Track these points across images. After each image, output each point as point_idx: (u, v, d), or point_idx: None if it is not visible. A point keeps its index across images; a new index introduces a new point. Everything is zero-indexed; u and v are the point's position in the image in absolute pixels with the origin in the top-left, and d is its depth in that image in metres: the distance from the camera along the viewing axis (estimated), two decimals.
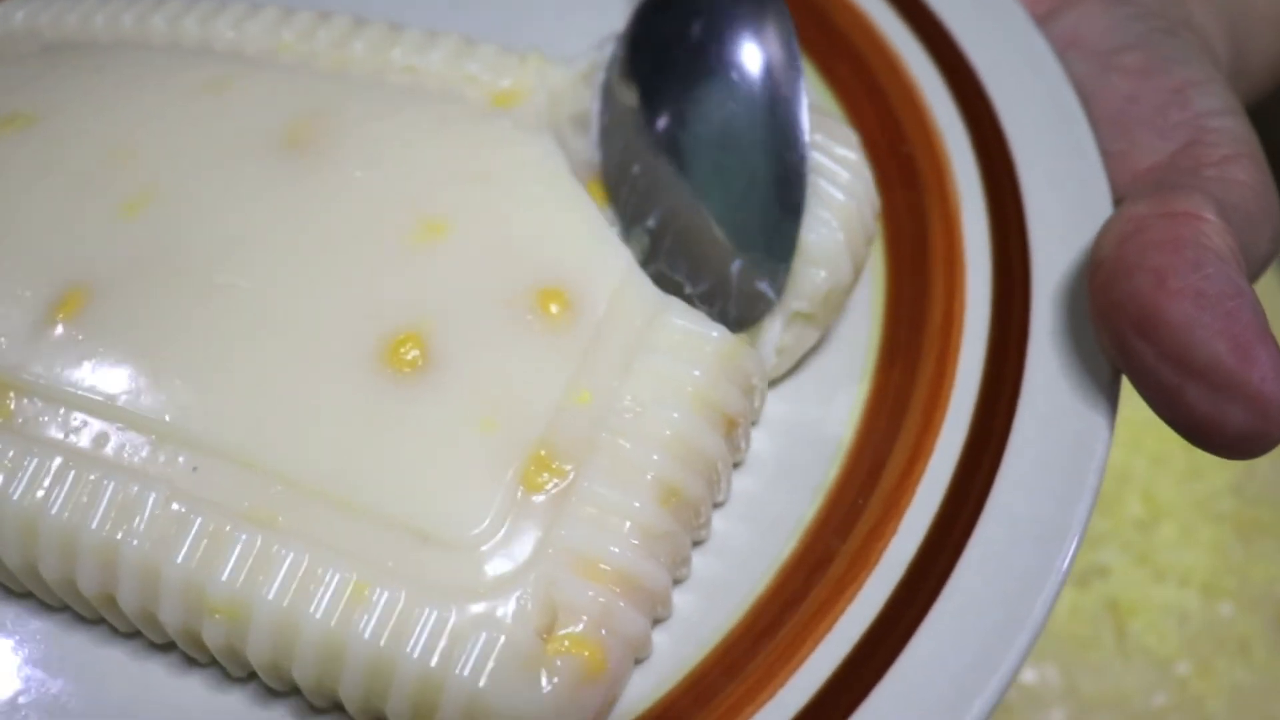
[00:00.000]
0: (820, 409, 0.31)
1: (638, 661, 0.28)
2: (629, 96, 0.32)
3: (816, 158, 0.30)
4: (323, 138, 0.32)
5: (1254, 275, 0.30)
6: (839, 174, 0.30)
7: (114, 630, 0.29)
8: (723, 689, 0.27)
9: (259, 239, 0.30)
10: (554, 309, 0.29)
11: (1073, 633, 0.55)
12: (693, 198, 0.31)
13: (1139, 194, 0.30)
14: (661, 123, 0.32)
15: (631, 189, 0.32)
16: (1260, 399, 0.25)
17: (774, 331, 0.30)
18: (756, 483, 0.30)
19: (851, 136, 0.32)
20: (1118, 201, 0.31)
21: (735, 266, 0.30)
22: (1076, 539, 0.27)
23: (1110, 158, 0.32)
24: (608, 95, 0.33)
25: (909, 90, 0.34)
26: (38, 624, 0.30)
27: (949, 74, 0.34)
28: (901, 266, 0.32)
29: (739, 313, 0.30)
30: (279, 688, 0.28)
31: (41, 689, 0.28)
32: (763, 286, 0.30)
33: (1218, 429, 0.26)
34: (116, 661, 0.29)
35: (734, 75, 0.31)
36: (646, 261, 0.31)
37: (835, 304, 0.30)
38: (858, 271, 0.30)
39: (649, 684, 0.27)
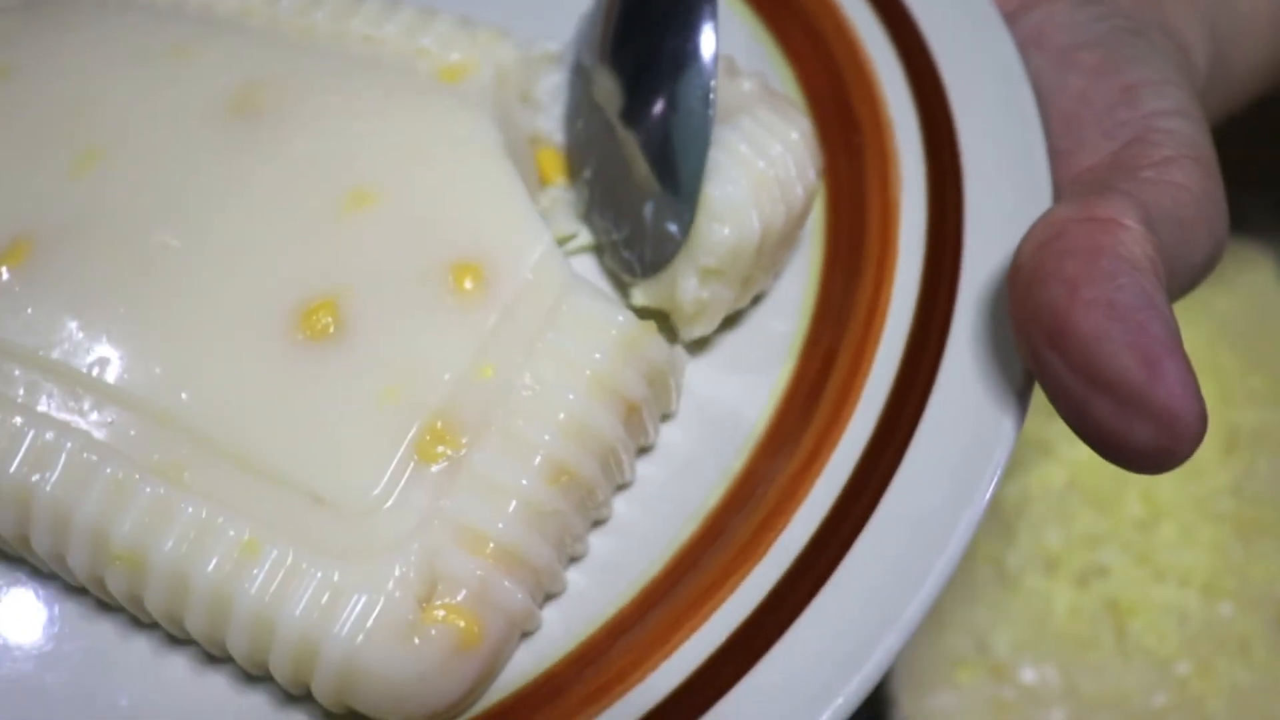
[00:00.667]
0: (738, 395, 0.31)
1: (525, 635, 0.28)
2: (587, 62, 0.33)
3: (751, 127, 0.30)
4: (269, 105, 0.32)
5: (1189, 283, 0.30)
6: (769, 145, 0.30)
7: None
8: (605, 663, 0.27)
9: (195, 201, 0.31)
10: (468, 284, 0.29)
11: (1073, 632, 0.54)
12: (615, 144, 0.32)
13: (1071, 195, 0.29)
14: (599, 77, 0.33)
15: (576, 145, 0.33)
16: (1167, 415, 0.25)
17: (689, 283, 0.30)
18: (665, 468, 0.30)
19: (804, 122, 0.31)
20: (1057, 201, 0.30)
21: (648, 208, 0.31)
22: (961, 543, 0.26)
23: (1058, 156, 0.31)
24: (576, 68, 0.34)
25: (865, 72, 0.34)
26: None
27: (908, 61, 0.34)
28: (837, 253, 0.32)
29: (652, 255, 0.31)
30: (180, 637, 0.29)
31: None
32: (670, 227, 0.30)
33: (1125, 443, 0.25)
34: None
35: (652, 24, 0.31)
36: (587, 212, 0.32)
37: (743, 264, 0.30)
38: (771, 235, 0.30)
39: (534, 657, 0.28)
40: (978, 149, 0.32)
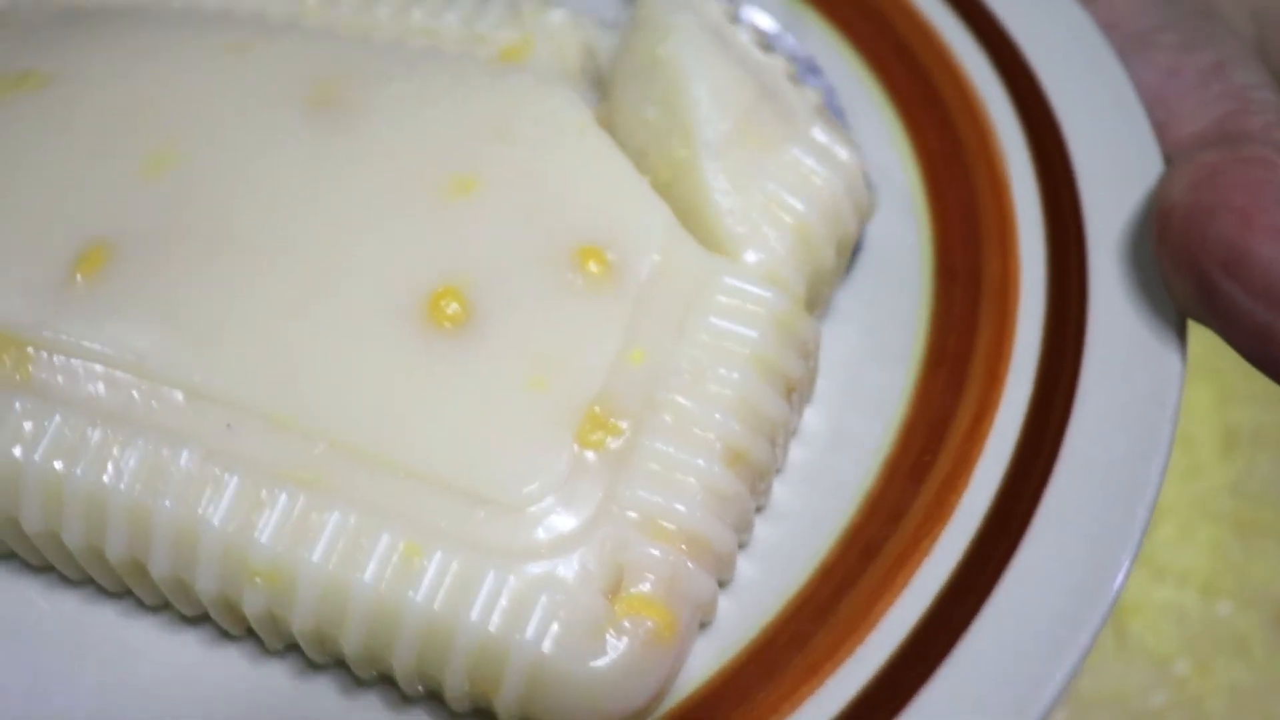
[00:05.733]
0: (872, 376, 0.30)
1: (702, 626, 0.26)
2: None
3: (797, 158, 0.29)
4: (349, 97, 0.30)
5: None
6: (816, 177, 0.29)
7: (140, 604, 0.27)
8: (790, 657, 0.26)
9: (288, 196, 0.29)
10: (593, 267, 0.28)
11: None
12: None
13: (1190, 152, 0.29)
14: None
15: None
16: None
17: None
18: (811, 450, 0.29)
19: (852, 145, 0.30)
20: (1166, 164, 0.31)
21: None
22: (1154, 486, 0.26)
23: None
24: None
25: (949, 63, 0.34)
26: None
27: (990, 45, 0.34)
28: (949, 230, 0.32)
29: None
30: (319, 658, 0.26)
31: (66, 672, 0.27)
32: None
33: None
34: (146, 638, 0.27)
35: None
36: None
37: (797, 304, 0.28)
38: (821, 276, 0.29)
39: (713, 651, 0.26)
40: (1073, 112, 0.32)
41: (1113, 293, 0.29)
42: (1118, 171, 0.31)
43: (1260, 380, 0.27)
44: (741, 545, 0.27)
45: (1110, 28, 0.34)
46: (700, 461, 0.25)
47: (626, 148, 0.29)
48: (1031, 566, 0.25)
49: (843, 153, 0.29)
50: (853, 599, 0.26)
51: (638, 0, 0.31)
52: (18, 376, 0.27)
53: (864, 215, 0.30)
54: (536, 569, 0.24)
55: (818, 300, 0.29)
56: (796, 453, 0.29)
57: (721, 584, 0.27)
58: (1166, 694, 0.53)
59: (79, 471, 0.25)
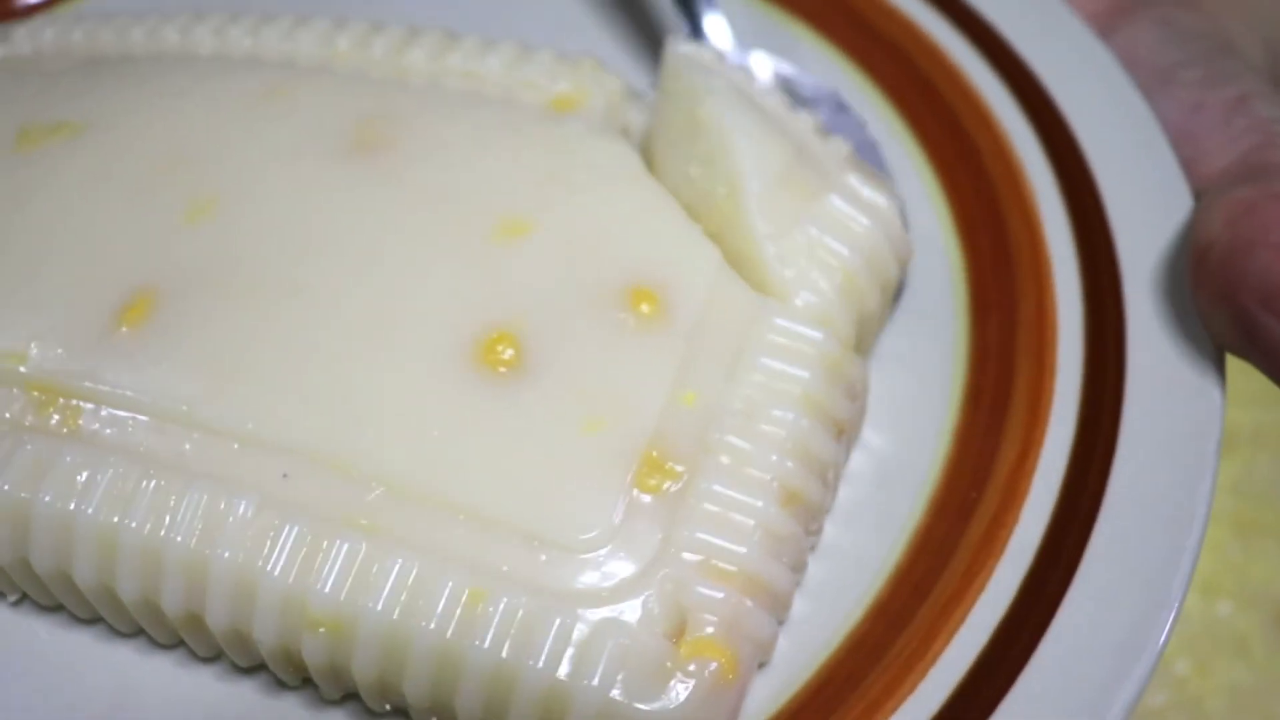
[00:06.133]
0: (913, 419, 0.30)
1: (760, 665, 0.26)
2: None
3: (837, 208, 0.29)
4: (392, 140, 0.30)
5: None
6: (856, 223, 0.29)
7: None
8: (847, 696, 0.26)
9: (335, 241, 0.29)
10: (645, 309, 0.28)
11: None
12: None
13: (1222, 187, 0.29)
14: None
15: None
16: None
17: None
18: (857, 487, 0.29)
19: (891, 190, 0.31)
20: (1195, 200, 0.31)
21: None
22: (1202, 521, 0.26)
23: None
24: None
25: (975, 102, 0.34)
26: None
27: (1014, 84, 0.34)
28: (981, 269, 0.32)
29: None
30: (377, 706, 0.26)
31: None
32: None
33: None
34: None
35: None
36: None
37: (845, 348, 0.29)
38: (868, 319, 0.29)
39: (771, 690, 0.26)
40: (1102, 150, 0.32)
41: (1150, 328, 0.29)
42: (1148, 207, 0.31)
43: (1260, 380, 0.28)
44: (796, 583, 0.27)
45: (1132, 64, 0.34)
46: (757, 502, 0.26)
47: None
48: (1084, 604, 0.25)
49: (881, 200, 0.30)
50: (907, 637, 0.26)
51: (665, 71, 0.31)
52: (65, 429, 0.26)
53: (903, 260, 0.30)
54: (600, 614, 0.24)
55: (864, 343, 0.30)
56: (843, 491, 0.29)
57: (780, 623, 0.27)
58: (1166, 694, 0.53)
59: (134, 524, 0.25)
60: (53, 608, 0.28)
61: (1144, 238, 0.31)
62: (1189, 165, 0.32)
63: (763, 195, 0.28)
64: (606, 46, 0.38)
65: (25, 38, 0.36)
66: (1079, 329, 0.30)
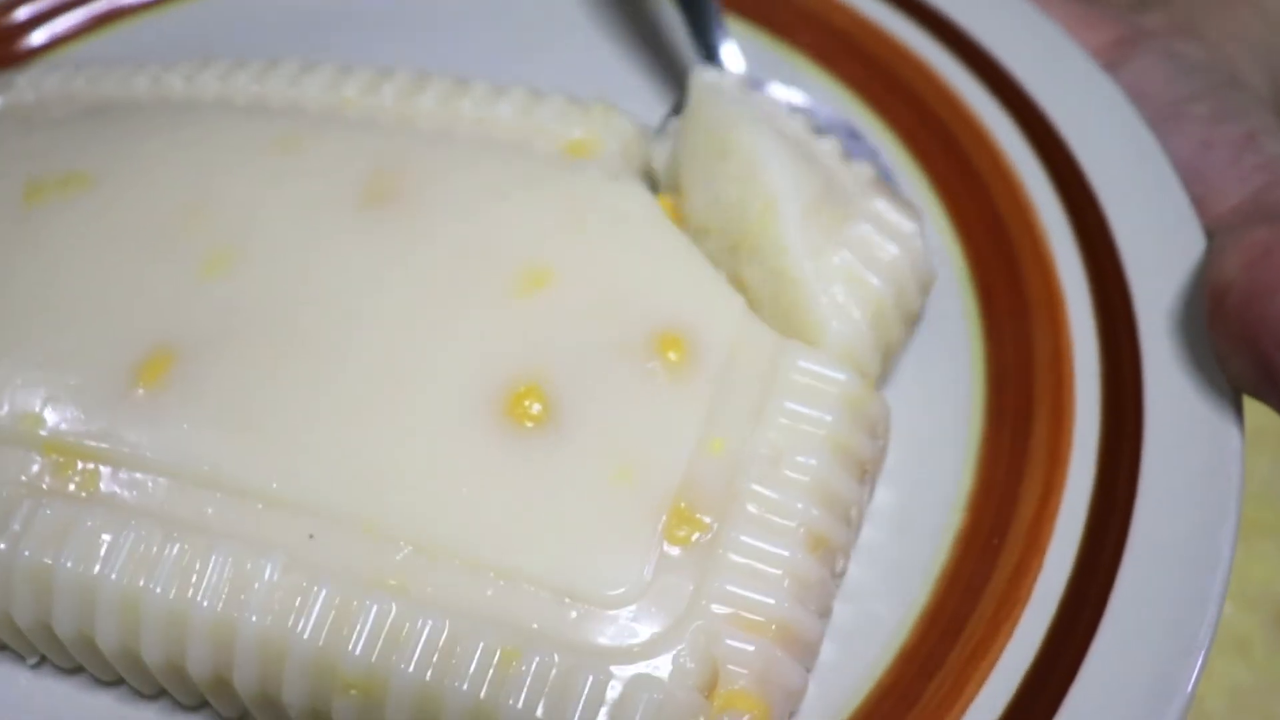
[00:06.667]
0: (933, 457, 0.30)
1: (790, 715, 0.26)
2: None
3: (864, 234, 0.29)
4: (406, 191, 0.30)
5: None
6: (884, 250, 0.29)
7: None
8: None
9: (354, 295, 0.28)
10: (672, 356, 0.28)
11: None
12: None
13: (1235, 228, 0.29)
14: None
15: None
16: None
17: None
18: (879, 526, 0.29)
19: (916, 216, 0.31)
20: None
21: None
22: (1226, 562, 0.26)
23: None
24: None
25: (984, 140, 0.34)
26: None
27: (1021, 120, 0.34)
28: (995, 309, 0.32)
29: None
30: None
31: None
32: None
33: None
34: None
35: None
36: None
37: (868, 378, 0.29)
38: (891, 344, 0.30)
39: None
40: (1112, 188, 0.32)
41: (1167, 369, 0.29)
42: (1160, 246, 0.31)
43: None
44: (824, 628, 0.27)
45: (1140, 98, 0.34)
46: (785, 552, 0.26)
47: (704, 233, 0.30)
48: (1113, 650, 0.25)
49: (907, 225, 0.29)
50: (938, 684, 0.26)
51: (691, 101, 0.31)
52: (84, 493, 0.26)
53: (926, 286, 0.30)
54: (634, 670, 0.24)
55: (884, 373, 0.29)
56: (866, 529, 0.29)
57: (808, 669, 0.27)
58: None
59: (159, 589, 0.25)
60: (72, 670, 0.28)
61: (1158, 277, 0.31)
62: (1199, 203, 0.32)
63: (799, 219, 0.29)
64: (615, 76, 0.38)
65: (27, 86, 0.35)
66: (1095, 370, 0.30)
